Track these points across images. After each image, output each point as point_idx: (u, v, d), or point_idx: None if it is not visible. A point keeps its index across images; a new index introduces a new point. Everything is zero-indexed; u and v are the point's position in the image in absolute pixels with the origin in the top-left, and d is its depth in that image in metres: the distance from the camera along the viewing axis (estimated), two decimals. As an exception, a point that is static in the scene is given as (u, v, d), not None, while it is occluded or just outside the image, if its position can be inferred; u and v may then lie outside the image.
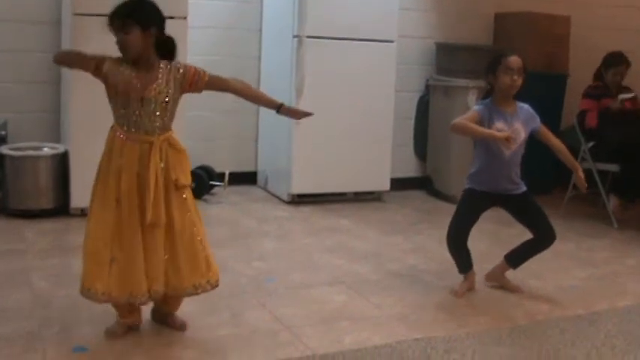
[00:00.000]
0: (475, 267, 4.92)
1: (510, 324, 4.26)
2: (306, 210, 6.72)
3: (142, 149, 3.63)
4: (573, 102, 7.36)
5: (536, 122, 4.74)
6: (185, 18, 6.01)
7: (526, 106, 4.72)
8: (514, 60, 4.57)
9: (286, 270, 5.03)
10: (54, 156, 5.97)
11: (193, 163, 6.71)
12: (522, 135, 4.63)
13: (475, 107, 4.65)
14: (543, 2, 8.02)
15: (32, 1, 6.41)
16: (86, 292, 3.65)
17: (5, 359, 3.45)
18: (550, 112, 7.76)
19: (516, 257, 4.84)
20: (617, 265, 5.59)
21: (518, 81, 4.56)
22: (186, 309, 4.10)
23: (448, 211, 6.93)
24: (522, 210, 4.76)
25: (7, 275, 4.60)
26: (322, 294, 4.60)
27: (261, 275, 4.88)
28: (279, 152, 7.02)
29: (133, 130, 3.62)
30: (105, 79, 3.63)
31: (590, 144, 6.87)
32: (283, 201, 6.95)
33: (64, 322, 3.91)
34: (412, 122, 7.94)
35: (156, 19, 3.66)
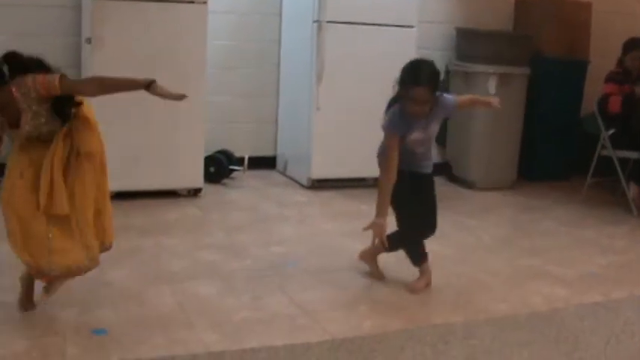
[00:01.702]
0: (495, 254, 4.92)
1: (529, 310, 4.25)
2: (325, 195, 6.72)
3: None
4: (594, 88, 7.31)
5: (452, 106, 4.50)
6: (205, 2, 6.01)
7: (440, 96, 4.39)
8: (419, 93, 4.21)
9: (306, 254, 5.04)
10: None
11: (213, 147, 6.81)
12: (436, 129, 4.41)
13: (391, 128, 4.35)
14: (564, -12, 7.98)
15: (53, -16, 6.44)
16: None
17: (26, 341, 3.48)
18: (570, 99, 7.77)
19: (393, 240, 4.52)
20: (636, 252, 5.57)
21: (425, 108, 4.24)
22: (207, 291, 4.13)
23: (467, 196, 6.99)
24: (420, 190, 4.49)
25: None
26: (341, 279, 4.60)
27: (280, 260, 4.89)
28: (299, 137, 7.02)
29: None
30: None
31: (611, 131, 6.84)
32: (303, 186, 6.95)
33: (83, 304, 3.93)
34: (432, 108, 7.92)
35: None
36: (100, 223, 3.78)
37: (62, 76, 3.56)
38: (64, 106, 3.66)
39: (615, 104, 6.79)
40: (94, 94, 3.73)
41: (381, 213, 4.22)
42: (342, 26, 6.70)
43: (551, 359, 3.62)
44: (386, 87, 6.89)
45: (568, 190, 7.33)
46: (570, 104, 7.79)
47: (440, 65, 7.73)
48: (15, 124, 3.57)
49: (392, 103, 4.46)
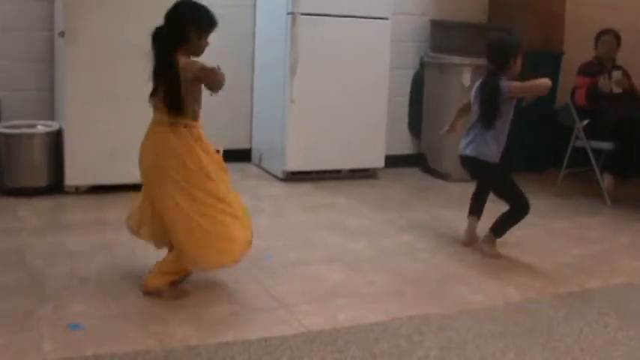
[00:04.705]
0: (470, 246, 4.96)
1: (504, 301, 4.28)
2: (300, 187, 6.72)
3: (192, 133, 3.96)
4: (568, 80, 7.35)
5: None
6: (180, -5, 5.98)
7: None
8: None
9: (282, 247, 5.04)
10: (48, 134, 5.96)
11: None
12: None
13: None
14: (538, -21, 8.00)
15: (24, -23, 6.39)
16: None
17: (0, 338, 3.45)
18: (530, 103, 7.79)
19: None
20: (610, 242, 5.61)
21: None
22: (182, 285, 4.11)
23: (442, 188, 7.01)
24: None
25: (2, 254, 4.61)
26: (317, 271, 4.61)
27: (257, 252, 4.86)
28: (274, 129, 7.00)
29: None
30: None
31: (585, 122, 6.88)
32: (278, 178, 6.95)
33: (58, 299, 3.92)
34: (407, 99, 7.93)
35: None
36: None
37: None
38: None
39: (580, 97, 6.87)
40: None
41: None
42: (316, 18, 6.69)
43: (526, 349, 3.64)
44: (360, 78, 6.94)
45: (543, 182, 7.37)
46: (545, 96, 7.80)
47: (414, 57, 7.83)
48: None
49: (491, 81, 5.01)
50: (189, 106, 3.86)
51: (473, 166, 5.16)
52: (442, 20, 7.72)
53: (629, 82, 6.97)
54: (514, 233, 5.18)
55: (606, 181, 6.78)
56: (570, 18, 8.00)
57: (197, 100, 3.94)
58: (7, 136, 5.84)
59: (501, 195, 5.10)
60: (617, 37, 6.99)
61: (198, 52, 3.96)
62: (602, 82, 6.81)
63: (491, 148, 5.02)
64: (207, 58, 3.93)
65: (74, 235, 5.09)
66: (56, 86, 6.30)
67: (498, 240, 5.08)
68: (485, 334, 3.78)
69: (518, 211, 4.99)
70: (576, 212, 6.40)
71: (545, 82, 4.94)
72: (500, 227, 5.05)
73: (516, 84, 4.97)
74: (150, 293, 4.01)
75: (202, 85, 3.85)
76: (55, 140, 5.97)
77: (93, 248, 4.70)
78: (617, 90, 6.86)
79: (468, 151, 5.08)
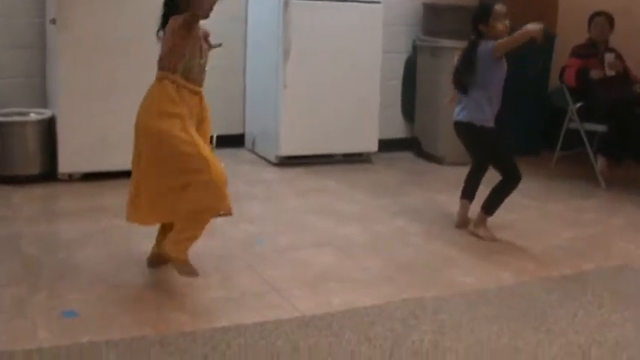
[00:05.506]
0: (464, 229, 4.97)
1: (498, 284, 4.28)
2: (293, 172, 6.71)
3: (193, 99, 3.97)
4: (561, 63, 7.34)
5: None
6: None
7: None
8: (503, 7, 5.05)
9: (274, 232, 5.04)
10: (41, 121, 5.94)
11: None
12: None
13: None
14: (531, -38, 7.98)
15: (16, -36, 6.35)
16: None
17: (-5, 326, 3.47)
18: (538, 73, 7.78)
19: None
20: (604, 225, 5.62)
21: (507, 22, 5.06)
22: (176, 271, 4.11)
23: (436, 171, 7.00)
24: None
25: (-4, 241, 4.61)
26: (310, 256, 4.61)
27: (249, 238, 4.89)
28: (267, 114, 6.99)
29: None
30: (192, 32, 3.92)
31: (579, 104, 6.88)
32: (271, 163, 6.94)
33: (52, 287, 3.91)
34: (399, 83, 7.91)
35: None
36: None
37: None
38: None
39: (570, 77, 6.86)
40: None
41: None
42: (309, 2, 6.68)
43: (520, 332, 3.65)
44: (353, 62, 6.92)
45: (537, 164, 7.36)
46: (538, 78, 7.81)
47: (407, 41, 7.80)
48: None
49: (468, 48, 5.14)
50: (173, 61, 3.86)
51: (468, 132, 5.13)
52: (434, 3, 7.70)
53: (622, 64, 6.97)
54: (507, 216, 5.19)
55: (600, 163, 6.78)
56: (563, 1, 7.99)
57: (191, 57, 3.93)
58: (-1, 123, 5.84)
59: (495, 161, 5.11)
60: (610, 19, 6.97)
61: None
62: (595, 72, 6.80)
63: (486, 113, 5.02)
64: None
65: (68, 222, 5.09)
66: (48, 74, 6.28)
67: (491, 224, 5.08)
68: (479, 318, 3.78)
69: (509, 180, 5.01)
70: (570, 195, 6.40)
71: (533, 26, 4.85)
72: (492, 203, 5.06)
73: (500, 41, 4.95)
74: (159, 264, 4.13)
75: (199, 49, 3.97)
76: (48, 128, 5.95)
77: (86, 235, 4.69)
78: (610, 72, 6.85)
79: (462, 117, 5.09)
